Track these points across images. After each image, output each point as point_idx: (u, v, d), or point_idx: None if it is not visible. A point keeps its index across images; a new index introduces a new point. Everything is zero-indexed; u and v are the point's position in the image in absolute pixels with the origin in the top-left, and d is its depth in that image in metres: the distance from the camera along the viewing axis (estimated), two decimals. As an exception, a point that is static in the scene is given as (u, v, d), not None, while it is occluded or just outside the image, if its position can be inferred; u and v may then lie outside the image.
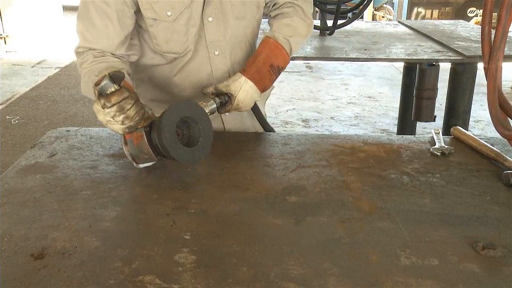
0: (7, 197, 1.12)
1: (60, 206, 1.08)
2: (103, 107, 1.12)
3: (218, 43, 1.45)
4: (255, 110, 1.51)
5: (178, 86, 1.50)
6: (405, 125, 3.54)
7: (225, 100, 1.38)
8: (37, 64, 7.20)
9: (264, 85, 1.43)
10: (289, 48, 1.47)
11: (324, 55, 2.84)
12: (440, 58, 2.70)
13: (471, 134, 1.46)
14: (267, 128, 1.57)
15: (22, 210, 1.07)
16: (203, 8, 1.39)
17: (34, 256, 0.91)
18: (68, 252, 0.92)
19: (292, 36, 1.48)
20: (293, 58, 2.69)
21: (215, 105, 1.36)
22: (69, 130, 1.52)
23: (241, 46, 1.50)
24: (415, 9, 9.27)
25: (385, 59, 2.85)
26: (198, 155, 1.23)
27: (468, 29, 3.49)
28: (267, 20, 1.61)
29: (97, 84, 1.12)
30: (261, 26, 1.57)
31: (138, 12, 1.37)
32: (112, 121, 1.14)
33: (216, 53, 1.46)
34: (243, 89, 1.38)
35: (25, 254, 0.91)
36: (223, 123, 1.57)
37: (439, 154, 1.37)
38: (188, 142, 1.23)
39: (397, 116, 3.75)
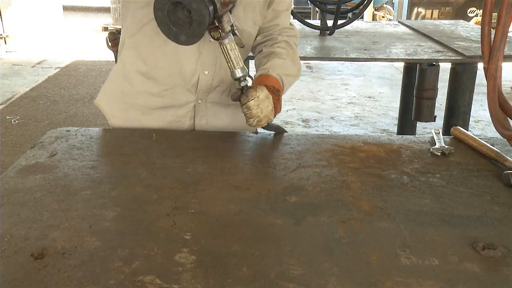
0: (7, 197, 1.12)
1: (60, 206, 1.08)
2: None
3: (214, 31, 1.45)
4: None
5: (165, 61, 1.48)
6: (405, 125, 3.54)
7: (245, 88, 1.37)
8: (37, 64, 7.20)
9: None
10: (282, 83, 1.49)
11: (324, 55, 2.84)
12: (440, 58, 2.70)
13: (471, 134, 1.46)
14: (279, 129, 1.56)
15: (22, 210, 1.07)
16: None
17: (34, 256, 0.91)
18: (68, 252, 0.92)
19: (286, 75, 1.51)
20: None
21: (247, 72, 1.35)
22: (69, 130, 1.52)
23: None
24: (415, 9, 9.28)
25: (385, 59, 2.86)
26: (176, 35, 1.23)
27: (468, 29, 3.49)
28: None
29: None
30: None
31: None
32: None
33: (211, 40, 1.44)
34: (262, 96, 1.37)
35: (25, 254, 0.91)
36: (194, 116, 1.56)
37: (439, 154, 1.37)
38: (175, 21, 1.23)
39: (397, 116, 3.75)
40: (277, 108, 1.44)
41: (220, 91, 1.56)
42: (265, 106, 1.37)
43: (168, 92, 1.52)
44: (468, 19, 8.59)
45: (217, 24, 1.28)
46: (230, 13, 1.31)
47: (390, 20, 9.57)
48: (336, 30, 3.23)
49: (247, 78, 1.38)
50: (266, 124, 1.41)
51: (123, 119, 1.57)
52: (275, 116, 1.44)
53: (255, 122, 1.37)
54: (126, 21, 1.53)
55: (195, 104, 1.55)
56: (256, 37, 1.58)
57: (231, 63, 1.34)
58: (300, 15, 3.46)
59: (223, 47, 1.33)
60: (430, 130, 1.52)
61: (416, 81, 2.93)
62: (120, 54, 1.57)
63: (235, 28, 1.32)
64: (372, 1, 3.62)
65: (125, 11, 1.52)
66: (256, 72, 1.53)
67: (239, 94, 1.37)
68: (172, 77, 1.50)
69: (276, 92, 1.44)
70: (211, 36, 1.30)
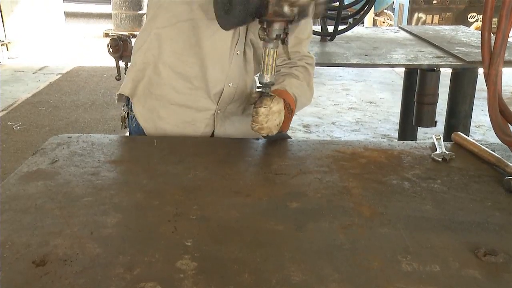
0: (9, 203, 1.13)
1: (62, 213, 1.09)
2: None
3: (241, 45, 1.49)
4: None
5: (193, 62, 1.49)
6: (406, 130, 3.54)
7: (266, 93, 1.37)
8: (39, 70, 7.22)
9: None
10: (295, 104, 1.51)
11: (325, 61, 2.85)
12: (440, 63, 2.70)
13: (472, 140, 1.46)
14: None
15: (24, 216, 1.07)
16: None
17: (35, 263, 0.91)
18: (70, 259, 0.92)
19: (300, 96, 1.53)
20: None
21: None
22: (71, 137, 1.52)
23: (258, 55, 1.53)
24: (416, 15, 9.28)
25: (386, 64, 2.86)
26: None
27: (468, 35, 3.49)
28: None
29: None
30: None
31: None
32: None
33: (238, 52, 1.49)
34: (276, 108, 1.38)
35: (26, 261, 0.92)
36: (213, 124, 1.57)
37: (440, 159, 1.37)
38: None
39: (398, 121, 3.75)
40: (285, 126, 1.46)
41: (239, 103, 1.59)
42: (273, 118, 1.38)
43: (190, 92, 1.53)
44: (469, 24, 8.60)
45: (265, 26, 1.27)
46: (288, 26, 1.29)
47: (390, 25, 9.59)
48: (336, 36, 3.24)
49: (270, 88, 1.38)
50: (266, 135, 1.42)
51: (144, 106, 1.58)
52: (282, 132, 1.46)
53: (256, 127, 1.38)
54: (157, 11, 1.51)
55: (214, 114, 1.56)
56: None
57: (265, 68, 1.34)
58: (301, 21, 3.46)
59: (264, 49, 1.32)
60: (431, 135, 1.52)
61: (417, 86, 2.94)
62: (145, 43, 1.55)
63: (286, 40, 1.31)
64: (373, 7, 3.63)
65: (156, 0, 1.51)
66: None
67: (257, 98, 1.38)
68: (197, 79, 1.51)
69: (290, 111, 1.46)
70: (258, 34, 1.30)
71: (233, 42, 1.47)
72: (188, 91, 1.53)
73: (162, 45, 1.52)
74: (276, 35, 1.28)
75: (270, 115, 1.36)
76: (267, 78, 1.34)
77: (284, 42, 1.30)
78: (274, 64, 1.33)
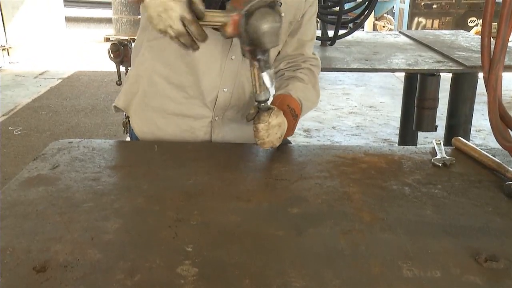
0: (10, 209, 1.13)
1: (63, 219, 1.09)
2: None
3: (236, 50, 1.46)
4: None
5: (186, 71, 1.49)
6: (407, 134, 3.54)
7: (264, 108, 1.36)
8: (40, 75, 7.23)
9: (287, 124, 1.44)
10: (301, 108, 1.52)
11: (325, 66, 2.85)
12: (440, 68, 2.70)
13: (472, 145, 1.46)
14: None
15: (25, 222, 1.07)
16: None
17: (36, 269, 0.91)
18: (71, 264, 0.92)
19: (306, 99, 1.54)
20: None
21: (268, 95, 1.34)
22: (72, 142, 1.52)
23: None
24: (416, 19, 9.31)
25: (386, 69, 2.87)
26: None
27: (468, 39, 3.50)
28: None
29: None
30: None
31: None
32: None
33: (233, 57, 1.48)
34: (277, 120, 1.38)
35: (27, 267, 0.91)
36: (211, 131, 1.57)
37: (440, 165, 1.38)
38: None
39: (398, 126, 3.75)
40: (290, 131, 1.46)
41: (237, 109, 1.58)
42: (273, 132, 1.37)
43: (186, 101, 1.53)
44: (469, 28, 8.62)
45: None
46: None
47: (390, 30, 9.61)
48: (337, 41, 3.25)
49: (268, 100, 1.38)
50: (269, 148, 1.42)
51: (141, 118, 1.59)
52: (287, 137, 1.47)
53: (258, 142, 1.38)
54: (146, 23, 1.48)
55: (211, 120, 1.56)
56: (280, 63, 1.62)
57: (258, 84, 1.32)
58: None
59: (254, 68, 1.30)
60: (431, 140, 1.52)
61: (417, 91, 2.94)
62: (137, 56, 1.56)
63: (267, 54, 1.29)
64: (373, 11, 3.64)
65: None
66: (276, 92, 1.55)
67: (255, 114, 1.38)
68: (191, 88, 1.51)
69: (294, 116, 1.47)
70: (242, 53, 1.29)
71: (225, 47, 1.47)
72: (184, 100, 1.53)
73: (155, 57, 1.52)
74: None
75: (270, 130, 1.36)
76: (261, 96, 1.34)
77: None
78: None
